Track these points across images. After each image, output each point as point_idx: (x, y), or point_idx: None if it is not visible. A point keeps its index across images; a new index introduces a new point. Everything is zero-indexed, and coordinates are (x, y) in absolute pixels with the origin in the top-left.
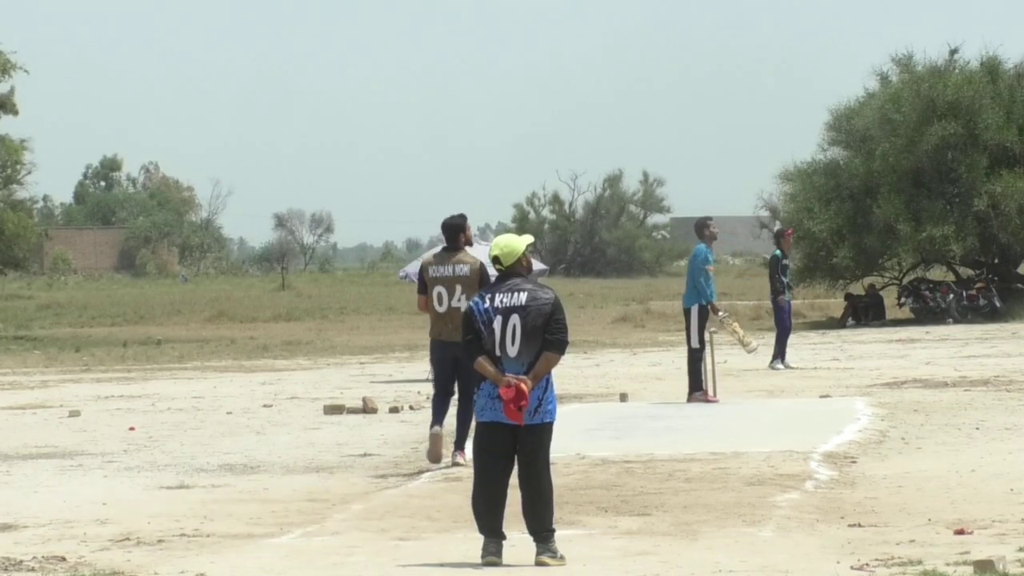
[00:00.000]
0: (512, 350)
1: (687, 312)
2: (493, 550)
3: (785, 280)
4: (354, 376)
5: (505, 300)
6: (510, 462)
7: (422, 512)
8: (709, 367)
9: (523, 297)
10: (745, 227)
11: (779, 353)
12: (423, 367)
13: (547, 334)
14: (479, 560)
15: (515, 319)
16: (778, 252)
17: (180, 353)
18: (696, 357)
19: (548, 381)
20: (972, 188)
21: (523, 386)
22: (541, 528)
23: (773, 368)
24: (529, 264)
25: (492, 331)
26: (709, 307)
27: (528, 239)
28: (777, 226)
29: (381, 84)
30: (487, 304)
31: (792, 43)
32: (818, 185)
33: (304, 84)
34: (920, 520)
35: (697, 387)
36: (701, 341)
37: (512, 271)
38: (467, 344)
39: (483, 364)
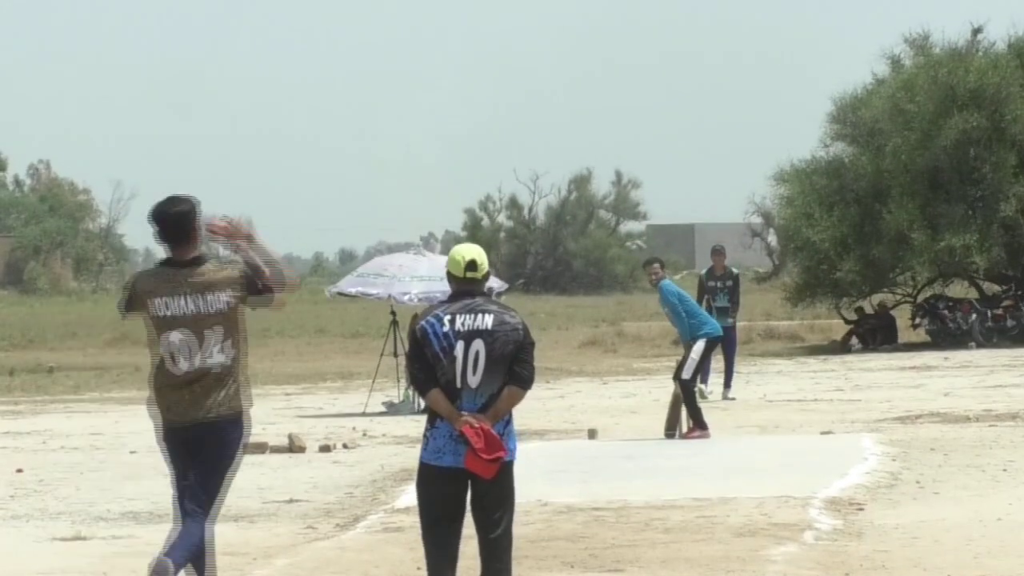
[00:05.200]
0: (473, 380)
1: (687, 344)
2: None
3: (715, 304)
4: (278, 410)
5: (468, 322)
6: (464, 514)
7: (357, 567)
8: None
9: (488, 320)
10: (734, 235)
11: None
12: (358, 399)
13: (515, 365)
14: None
15: (478, 345)
16: (703, 272)
17: (76, 383)
18: (689, 389)
19: (508, 414)
20: (998, 190)
21: (492, 431)
22: None
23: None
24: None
25: (453, 359)
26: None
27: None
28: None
29: (307, 71)
30: (446, 327)
31: (789, 22)
32: (819, 187)
33: (217, 71)
34: None
35: (700, 424)
36: (696, 374)
37: (475, 287)
38: (417, 374)
39: (437, 398)
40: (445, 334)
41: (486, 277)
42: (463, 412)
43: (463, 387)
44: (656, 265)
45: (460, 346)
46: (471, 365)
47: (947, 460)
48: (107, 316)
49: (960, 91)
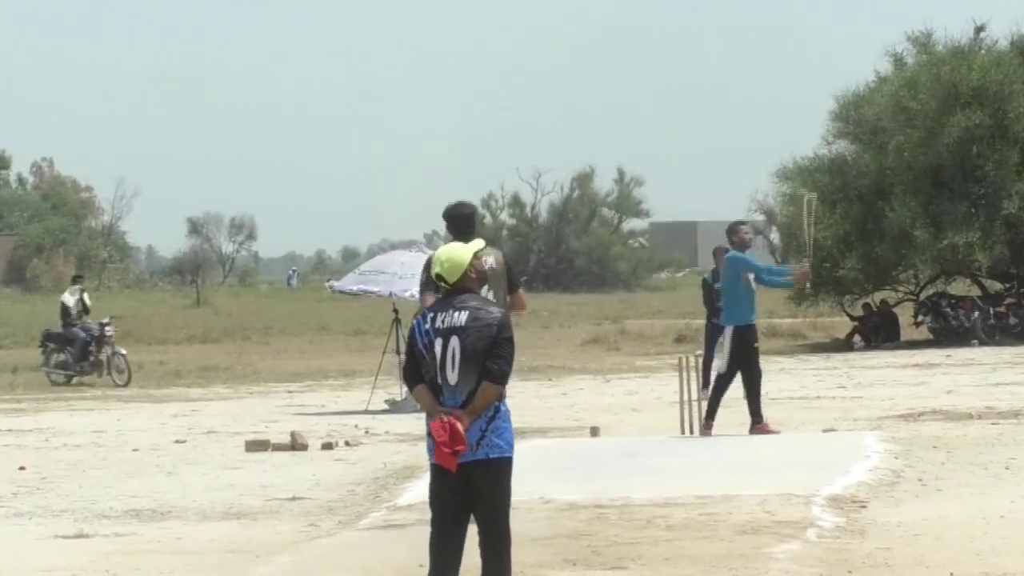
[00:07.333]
0: (452, 377)
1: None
2: None
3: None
4: (281, 407)
5: (447, 320)
6: (463, 511)
7: (360, 565)
8: (694, 397)
9: (463, 317)
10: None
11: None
12: (361, 397)
13: (488, 360)
14: None
15: (454, 342)
16: (706, 275)
17: (78, 380)
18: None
19: (496, 408)
20: (1001, 188)
21: (458, 425)
22: None
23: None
24: (480, 274)
25: (434, 356)
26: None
27: (478, 244)
28: (774, 233)
29: (310, 69)
30: (428, 324)
31: (791, 20)
32: (822, 184)
33: (220, 69)
34: (940, 574)
35: (711, 416)
36: (733, 368)
37: (462, 287)
38: (407, 370)
39: (421, 394)
40: (427, 331)
41: (466, 279)
42: (443, 408)
43: (443, 383)
44: (744, 226)
45: (439, 343)
46: (449, 362)
47: (950, 458)
48: (109, 313)
49: (963, 89)
